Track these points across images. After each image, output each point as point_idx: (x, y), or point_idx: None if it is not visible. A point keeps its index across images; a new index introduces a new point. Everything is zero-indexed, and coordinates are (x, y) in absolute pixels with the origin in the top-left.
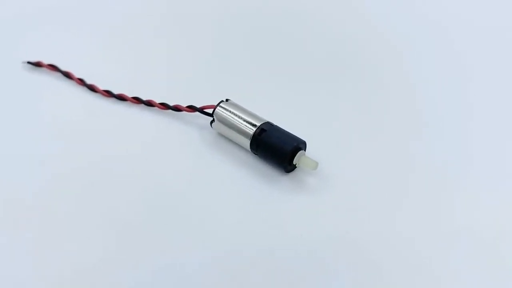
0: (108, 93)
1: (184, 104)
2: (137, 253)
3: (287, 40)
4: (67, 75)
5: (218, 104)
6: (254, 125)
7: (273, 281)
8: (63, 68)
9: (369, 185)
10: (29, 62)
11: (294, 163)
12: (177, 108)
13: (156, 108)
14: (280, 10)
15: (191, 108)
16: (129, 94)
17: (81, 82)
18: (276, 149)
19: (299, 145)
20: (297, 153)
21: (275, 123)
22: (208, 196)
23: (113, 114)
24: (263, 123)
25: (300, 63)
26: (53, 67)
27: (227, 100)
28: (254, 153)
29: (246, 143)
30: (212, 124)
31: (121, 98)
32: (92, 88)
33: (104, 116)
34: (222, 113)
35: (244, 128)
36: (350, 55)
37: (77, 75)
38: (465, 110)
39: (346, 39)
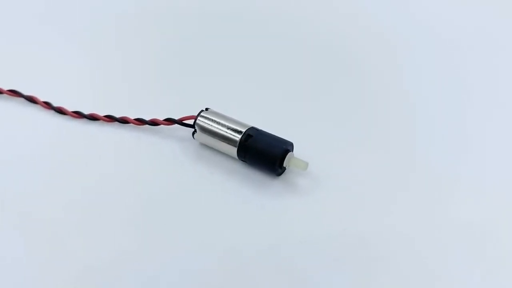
0: (78, 114)
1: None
2: (135, 264)
3: (259, 41)
4: (31, 99)
5: (198, 114)
6: (239, 132)
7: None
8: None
9: (360, 182)
10: None
11: (284, 165)
12: (154, 123)
13: (131, 124)
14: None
15: (169, 121)
16: (99, 112)
17: (47, 105)
18: (265, 154)
19: (288, 147)
20: (286, 155)
21: (257, 127)
22: (201, 209)
23: (87, 135)
24: (248, 129)
25: (277, 64)
26: (14, 93)
27: (206, 109)
28: (242, 160)
29: (233, 151)
30: (194, 135)
31: (92, 118)
32: (60, 111)
33: (77, 138)
34: (204, 123)
35: (229, 136)
36: (336, 53)
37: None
38: (460, 107)
39: (330, 38)
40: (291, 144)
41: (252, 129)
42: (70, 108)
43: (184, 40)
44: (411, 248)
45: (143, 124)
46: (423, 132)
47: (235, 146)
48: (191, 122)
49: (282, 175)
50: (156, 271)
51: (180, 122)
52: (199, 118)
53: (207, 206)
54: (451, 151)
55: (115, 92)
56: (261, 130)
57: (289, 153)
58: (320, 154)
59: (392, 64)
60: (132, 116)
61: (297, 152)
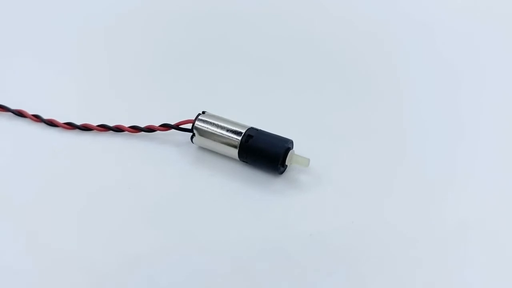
0: (70, 125)
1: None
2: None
3: (250, 41)
4: (19, 113)
5: (196, 118)
6: (239, 133)
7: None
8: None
9: (360, 176)
10: None
11: (286, 163)
12: (150, 129)
13: (126, 132)
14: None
15: (166, 127)
16: (91, 122)
17: (37, 119)
18: (267, 153)
19: (289, 145)
20: (288, 153)
21: (255, 126)
22: (207, 211)
23: (81, 146)
24: (248, 129)
25: (269, 63)
26: (1, 108)
27: (203, 112)
28: (243, 161)
29: (234, 152)
30: (193, 139)
31: (85, 128)
32: (51, 123)
33: (71, 150)
34: (203, 126)
35: (229, 138)
36: (333, 52)
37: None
38: (456, 105)
39: (328, 35)
40: (292, 142)
41: (252, 129)
42: (60, 120)
43: (172, 44)
44: (408, 243)
45: (138, 132)
46: (421, 130)
47: (236, 148)
48: (187, 126)
49: (284, 173)
50: (168, 272)
51: (177, 127)
52: (197, 121)
53: (213, 208)
54: (447, 149)
55: (106, 101)
56: (260, 130)
57: (291, 151)
58: (319, 150)
59: (391, 62)
60: (125, 124)
61: (296, 149)
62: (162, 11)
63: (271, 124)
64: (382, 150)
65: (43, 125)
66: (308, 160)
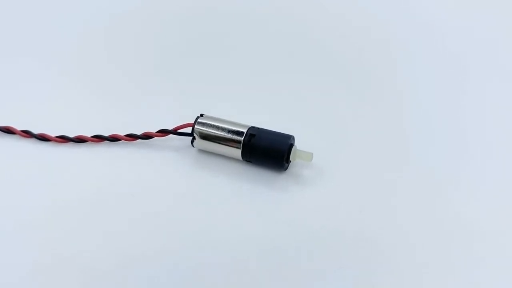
0: (63, 139)
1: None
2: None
3: (241, 39)
4: (8, 130)
5: (195, 121)
6: (240, 133)
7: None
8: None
9: (362, 168)
10: None
11: (290, 159)
12: (147, 136)
13: (122, 141)
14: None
15: (164, 132)
16: (85, 134)
17: (27, 134)
18: (271, 151)
19: (291, 141)
20: (291, 149)
21: (254, 125)
22: (217, 214)
23: (76, 159)
24: (249, 129)
25: (264, 60)
26: None
27: (201, 115)
28: (247, 161)
29: (237, 152)
30: (194, 142)
31: (80, 140)
32: (43, 138)
33: (67, 164)
34: (203, 129)
35: (231, 139)
36: (332, 46)
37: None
38: (461, 104)
39: (329, 31)
40: (293, 137)
41: (253, 128)
42: (52, 133)
43: (158, 50)
44: (410, 242)
45: (135, 139)
46: (425, 126)
47: (239, 148)
48: (185, 130)
49: (286, 170)
50: (183, 270)
51: (176, 132)
52: (197, 125)
53: (222, 209)
54: (451, 148)
55: (97, 111)
56: (261, 128)
57: (294, 147)
58: (319, 145)
59: (395, 60)
60: (120, 132)
61: (296, 145)
62: (149, 16)
63: (269, 122)
64: (381, 142)
65: (34, 140)
66: (312, 154)
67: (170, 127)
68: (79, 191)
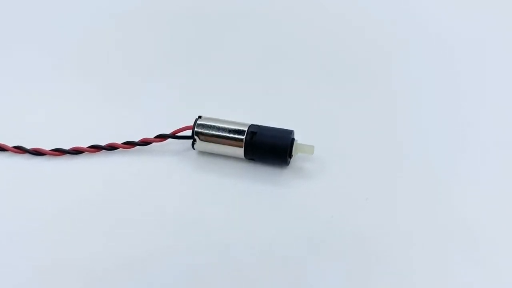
0: (59, 151)
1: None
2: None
3: (232, 37)
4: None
5: (195, 123)
6: (242, 132)
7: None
8: None
9: (363, 158)
10: None
11: (292, 154)
12: (145, 142)
13: (120, 149)
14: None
15: (162, 137)
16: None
17: (19, 150)
18: (273, 147)
19: (292, 135)
20: (293, 143)
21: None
22: (222, 212)
23: (74, 171)
24: (249, 127)
25: (257, 56)
26: None
27: (199, 116)
28: (249, 159)
29: (239, 151)
30: (194, 145)
31: (76, 151)
32: (37, 152)
33: (65, 177)
34: (203, 131)
35: (233, 138)
36: (329, 40)
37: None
38: (459, 103)
39: (325, 28)
40: (293, 132)
41: (253, 126)
42: (45, 147)
43: (144, 54)
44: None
45: (133, 147)
46: (424, 120)
47: (241, 147)
48: (183, 133)
49: (289, 164)
50: (196, 267)
51: (175, 136)
52: (196, 127)
53: (230, 209)
54: (450, 146)
55: (90, 120)
56: (261, 125)
57: (295, 141)
58: (317, 138)
59: (396, 55)
60: (117, 141)
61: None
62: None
63: (264, 118)
64: (375, 131)
65: (27, 156)
66: (313, 147)
67: (163, 131)
68: (80, 203)
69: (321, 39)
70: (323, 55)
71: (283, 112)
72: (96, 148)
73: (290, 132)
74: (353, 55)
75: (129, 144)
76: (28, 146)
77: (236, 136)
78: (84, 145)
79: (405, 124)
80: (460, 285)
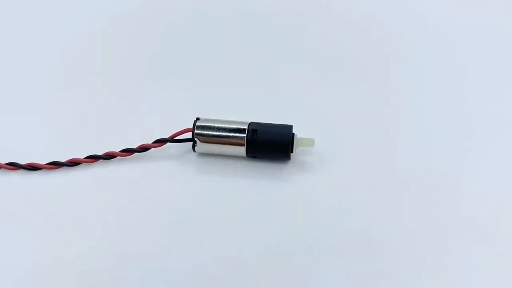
0: (55, 165)
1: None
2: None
3: (224, 34)
4: None
5: (194, 126)
6: (242, 130)
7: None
8: None
9: (363, 148)
10: None
11: (293, 148)
12: (144, 148)
13: (118, 158)
14: None
15: (161, 142)
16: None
17: (13, 166)
18: (276, 143)
19: (292, 130)
20: (293, 138)
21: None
22: (229, 212)
23: (73, 184)
24: (249, 124)
25: (253, 53)
26: None
27: (198, 119)
28: (251, 157)
29: (241, 150)
30: (195, 147)
31: (73, 163)
32: (32, 167)
33: (63, 190)
34: (203, 133)
35: (234, 137)
36: (328, 36)
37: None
38: (464, 101)
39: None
40: (292, 127)
41: (253, 123)
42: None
43: (135, 58)
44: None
45: (132, 154)
46: (427, 121)
47: (243, 145)
48: (182, 136)
49: (290, 159)
50: (207, 264)
51: (174, 139)
52: (196, 129)
53: (236, 208)
54: (455, 145)
55: (83, 130)
56: (260, 123)
57: (295, 135)
58: (315, 131)
59: (399, 51)
60: (114, 149)
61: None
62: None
63: (261, 116)
64: (372, 122)
65: (21, 171)
66: (313, 140)
67: (159, 136)
68: (83, 217)
69: (318, 34)
70: (320, 49)
71: (278, 108)
72: (93, 158)
73: (290, 127)
74: (350, 48)
75: (128, 152)
76: (22, 161)
77: (237, 134)
78: (81, 155)
79: (405, 117)
80: (466, 277)
